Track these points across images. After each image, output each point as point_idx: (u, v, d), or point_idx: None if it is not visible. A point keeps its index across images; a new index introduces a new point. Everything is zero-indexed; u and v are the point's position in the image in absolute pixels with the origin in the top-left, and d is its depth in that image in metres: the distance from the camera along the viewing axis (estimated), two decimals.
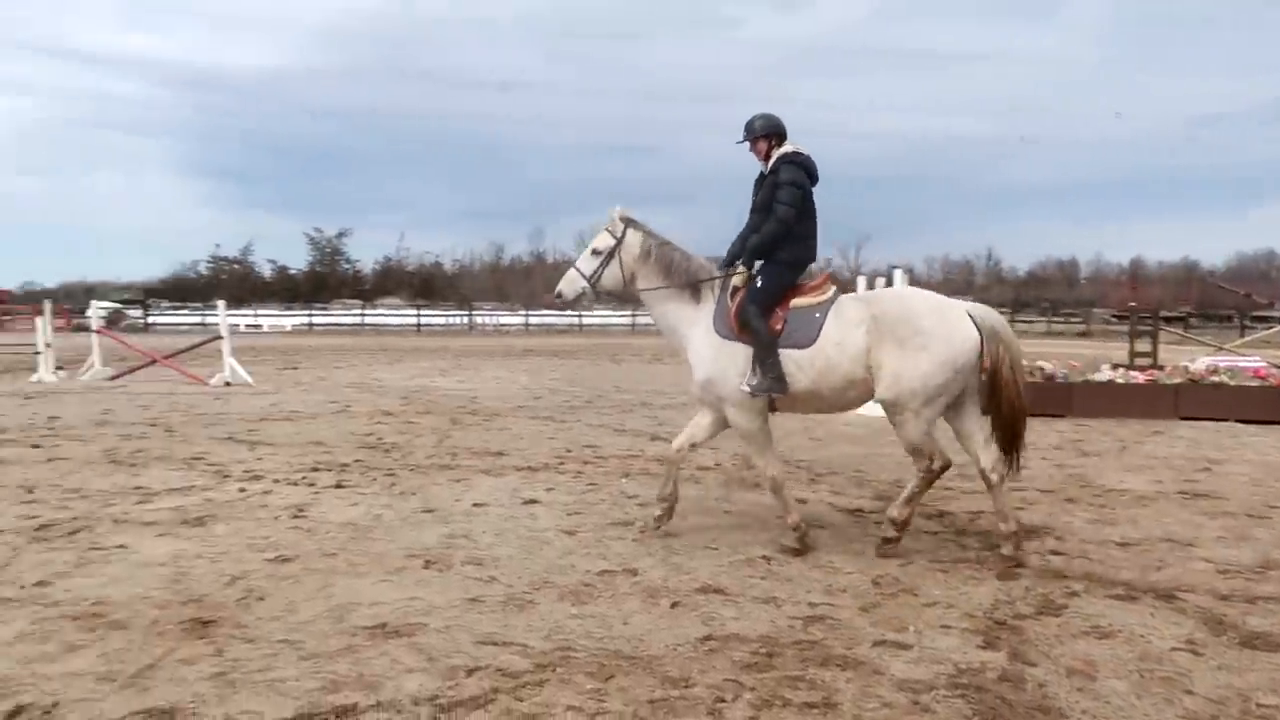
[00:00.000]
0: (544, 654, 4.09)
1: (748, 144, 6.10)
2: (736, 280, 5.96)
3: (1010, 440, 5.71)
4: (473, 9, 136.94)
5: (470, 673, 3.87)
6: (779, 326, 5.72)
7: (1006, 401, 5.65)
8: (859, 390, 5.72)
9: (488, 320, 56.45)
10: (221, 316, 18.76)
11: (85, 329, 32.97)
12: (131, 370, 18.42)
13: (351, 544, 5.89)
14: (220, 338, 17.78)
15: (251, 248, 76.07)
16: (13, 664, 3.93)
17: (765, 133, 6.03)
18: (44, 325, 17.79)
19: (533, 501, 7.17)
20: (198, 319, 51.34)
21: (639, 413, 13.16)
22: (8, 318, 50.88)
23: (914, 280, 17.20)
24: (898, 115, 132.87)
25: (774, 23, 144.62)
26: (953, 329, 5.53)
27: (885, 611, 4.72)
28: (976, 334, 5.56)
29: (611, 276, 6.14)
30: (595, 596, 4.90)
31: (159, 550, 5.70)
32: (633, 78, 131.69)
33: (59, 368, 17.73)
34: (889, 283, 14.46)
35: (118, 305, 51.29)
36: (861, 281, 14.24)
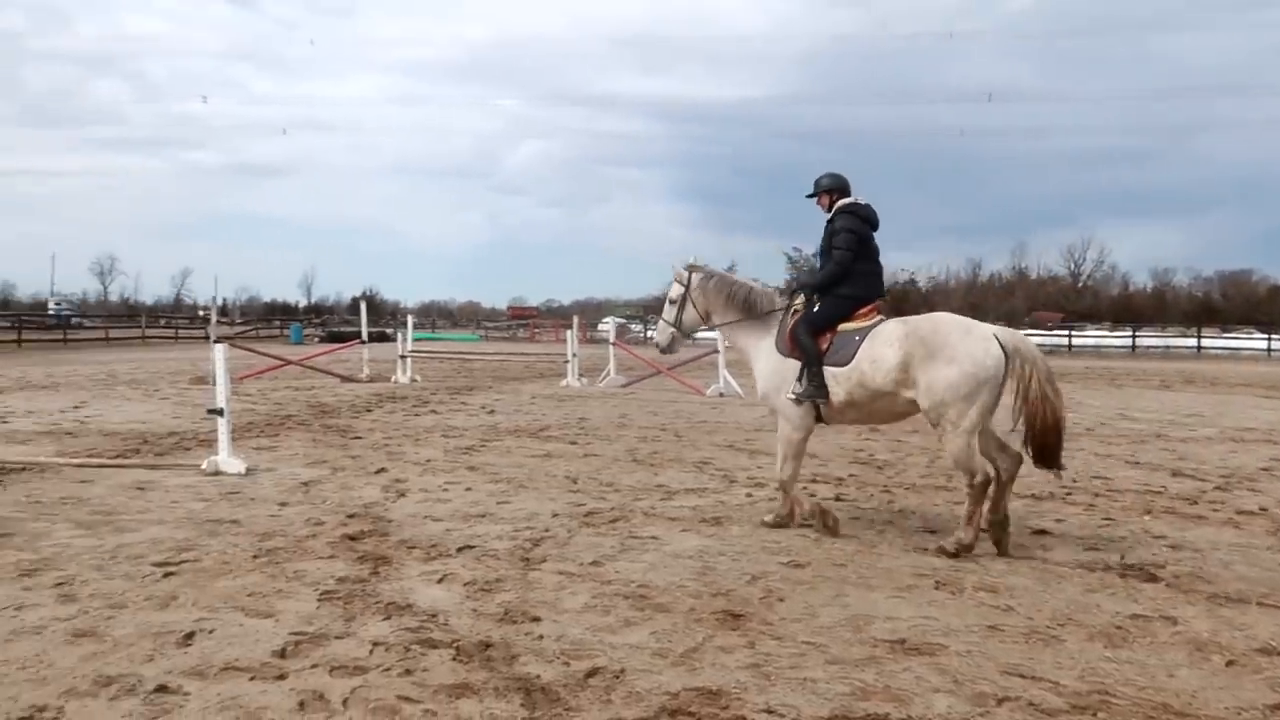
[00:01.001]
0: (1079, 694, 3.84)
1: (814, 198, 6.92)
2: (797, 305, 6.73)
3: (1044, 447, 6.07)
4: (956, 21, 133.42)
5: (1000, 702, 3.76)
6: (825, 346, 6.46)
7: (1037, 412, 6.00)
8: (888, 403, 6.32)
9: None
10: (718, 333, 20.18)
11: (596, 341, 37.34)
12: (640, 379, 20.49)
13: (858, 556, 6.02)
14: (715, 351, 19.14)
15: (734, 266, 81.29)
16: (583, 630, 4.55)
17: (829, 188, 6.85)
18: (572, 337, 20.46)
19: (1042, 532, 6.79)
20: None
21: (1153, 444, 11.83)
22: (539, 330, 59.39)
23: None
24: None
25: None
26: (976, 345, 5.98)
27: None
28: (1000, 352, 5.97)
29: (690, 317, 7.23)
30: (1130, 641, 4.51)
31: (686, 544, 6.27)
32: (1134, 76, 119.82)
33: (582, 375, 20.24)
34: None
35: (622, 320, 57.39)
36: None
